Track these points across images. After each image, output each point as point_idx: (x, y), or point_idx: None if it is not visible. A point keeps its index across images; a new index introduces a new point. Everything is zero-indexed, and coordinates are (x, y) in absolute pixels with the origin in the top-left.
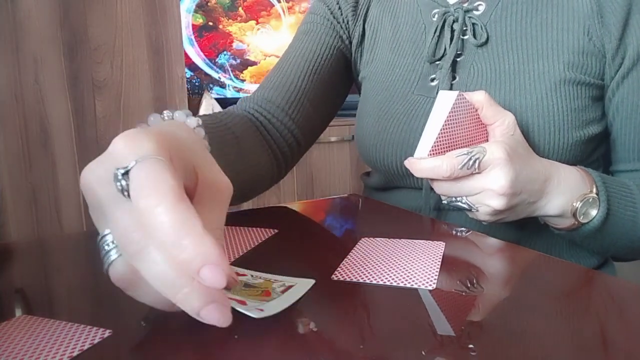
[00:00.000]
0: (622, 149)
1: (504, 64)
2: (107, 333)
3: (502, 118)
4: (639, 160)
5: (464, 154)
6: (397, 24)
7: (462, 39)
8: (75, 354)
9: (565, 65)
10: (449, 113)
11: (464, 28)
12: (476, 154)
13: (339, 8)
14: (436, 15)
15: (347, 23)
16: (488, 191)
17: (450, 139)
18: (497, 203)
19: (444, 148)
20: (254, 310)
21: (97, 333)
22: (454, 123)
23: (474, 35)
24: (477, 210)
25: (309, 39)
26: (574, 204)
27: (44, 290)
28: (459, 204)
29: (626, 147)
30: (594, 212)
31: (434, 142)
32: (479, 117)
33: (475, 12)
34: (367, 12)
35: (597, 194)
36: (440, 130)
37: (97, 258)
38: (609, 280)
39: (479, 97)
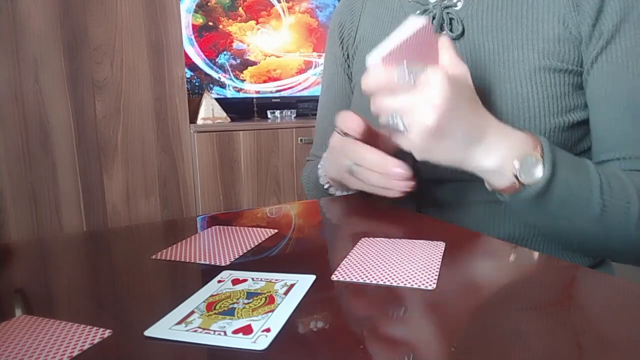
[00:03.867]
0: (595, 137)
1: (480, 55)
2: (107, 333)
3: (458, 66)
4: (614, 149)
5: (402, 67)
6: (383, 30)
7: (440, 34)
8: (75, 354)
9: (540, 54)
10: (413, 35)
11: (442, 23)
12: (414, 68)
13: (341, 43)
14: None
15: (347, 51)
16: (421, 105)
17: (405, 57)
18: (429, 118)
19: (396, 62)
20: (261, 337)
21: (97, 333)
22: (413, 45)
23: (451, 29)
24: (410, 132)
25: (332, 92)
26: (514, 163)
27: (44, 290)
28: (395, 124)
29: (597, 136)
30: (537, 174)
31: (389, 52)
32: (438, 57)
33: (454, 9)
34: (357, 28)
35: (542, 156)
36: (399, 45)
37: (97, 258)
38: (608, 280)
39: (441, 40)
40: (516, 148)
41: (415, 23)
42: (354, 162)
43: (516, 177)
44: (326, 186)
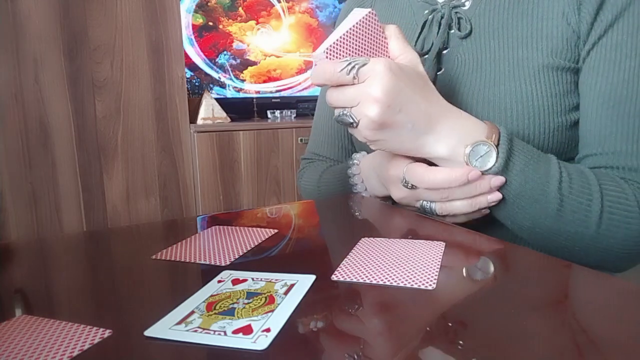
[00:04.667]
0: (580, 134)
1: (486, 53)
2: (107, 333)
3: (407, 53)
4: (590, 145)
5: (345, 60)
6: None
7: (449, 33)
8: (75, 354)
9: (545, 52)
10: (355, 24)
11: (450, 22)
12: (357, 61)
13: None
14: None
15: None
16: (365, 97)
17: (350, 48)
18: (372, 111)
19: (341, 54)
20: (261, 337)
21: (97, 333)
22: (358, 35)
23: (459, 29)
24: (358, 124)
25: None
26: (465, 149)
27: (44, 290)
28: (345, 117)
29: (581, 132)
30: (490, 162)
31: (332, 44)
32: (387, 45)
33: (462, 8)
34: None
35: (496, 145)
36: (342, 36)
37: (97, 258)
38: (609, 280)
39: (389, 28)
40: (467, 136)
41: (358, 13)
42: (441, 198)
43: (467, 163)
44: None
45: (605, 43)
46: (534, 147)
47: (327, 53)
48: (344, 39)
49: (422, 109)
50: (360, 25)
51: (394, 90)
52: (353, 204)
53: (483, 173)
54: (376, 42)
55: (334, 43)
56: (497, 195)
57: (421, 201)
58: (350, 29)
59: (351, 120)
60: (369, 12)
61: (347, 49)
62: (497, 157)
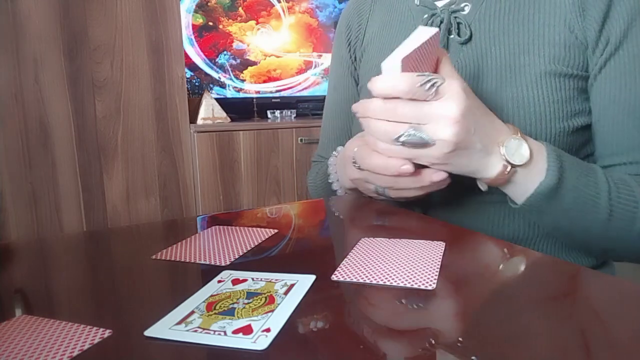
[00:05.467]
0: (600, 142)
1: (487, 60)
2: (107, 333)
3: (450, 80)
4: (619, 154)
5: (424, 75)
6: (391, 33)
7: (448, 38)
8: (75, 354)
9: (546, 59)
10: (425, 42)
11: (450, 27)
12: (435, 79)
13: (348, 45)
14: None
15: (355, 54)
16: (442, 118)
17: (417, 64)
18: (450, 132)
19: (410, 68)
20: (261, 337)
21: (97, 333)
22: (424, 53)
23: (458, 34)
24: (434, 144)
25: (339, 95)
26: (500, 150)
27: (44, 290)
28: (416, 138)
29: (603, 140)
30: (525, 154)
31: (407, 55)
32: (437, 67)
33: (461, 13)
34: (365, 31)
35: (546, 161)
36: (415, 50)
37: (97, 258)
38: (609, 280)
39: (442, 51)
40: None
41: (426, 32)
42: (383, 187)
43: (507, 161)
44: (340, 192)
45: (622, 55)
46: (580, 160)
47: (403, 63)
48: (416, 53)
49: (488, 131)
50: (427, 43)
51: (470, 111)
52: (353, 204)
53: (521, 166)
54: (433, 62)
55: (409, 54)
56: (441, 175)
57: (375, 185)
58: (421, 45)
59: (426, 140)
60: (437, 33)
61: (415, 64)
62: (547, 172)
